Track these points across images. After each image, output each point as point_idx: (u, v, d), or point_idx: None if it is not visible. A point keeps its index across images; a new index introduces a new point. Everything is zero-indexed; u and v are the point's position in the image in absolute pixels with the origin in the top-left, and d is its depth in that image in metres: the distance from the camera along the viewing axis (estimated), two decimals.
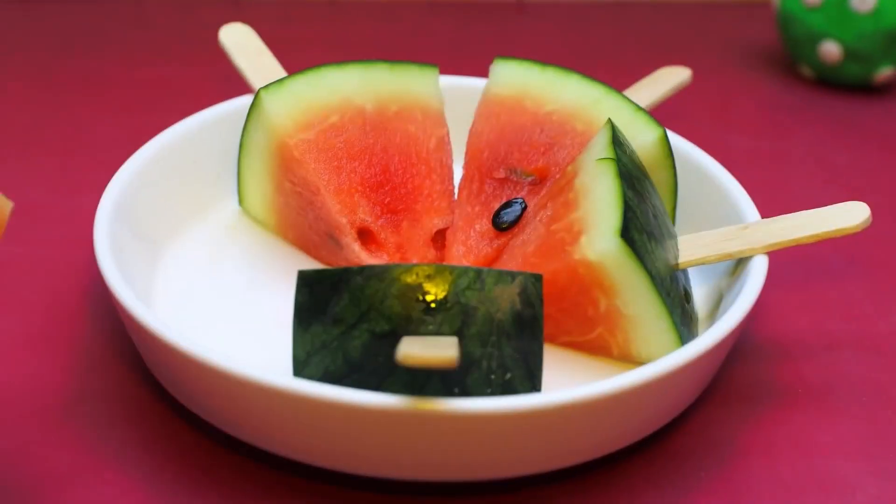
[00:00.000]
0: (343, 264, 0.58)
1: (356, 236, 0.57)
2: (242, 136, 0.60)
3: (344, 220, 0.57)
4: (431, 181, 0.59)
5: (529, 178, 0.59)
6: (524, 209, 0.57)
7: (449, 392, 0.47)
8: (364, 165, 0.58)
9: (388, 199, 0.58)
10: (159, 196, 0.59)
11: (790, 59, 0.85)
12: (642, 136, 0.58)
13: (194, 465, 0.50)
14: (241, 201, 0.62)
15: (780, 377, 0.56)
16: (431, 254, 0.58)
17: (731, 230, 0.56)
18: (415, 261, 0.58)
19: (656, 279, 0.51)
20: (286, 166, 0.58)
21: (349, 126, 0.59)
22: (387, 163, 0.59)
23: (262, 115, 0.58)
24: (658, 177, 0.58)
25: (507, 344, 0.49)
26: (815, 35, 0.78)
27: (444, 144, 0.60)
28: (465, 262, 0.57)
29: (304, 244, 0.60)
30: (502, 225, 0.57)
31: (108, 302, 0.57)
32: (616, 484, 0.50)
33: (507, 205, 0.58)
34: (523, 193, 0.59)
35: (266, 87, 0.58)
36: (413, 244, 0.58)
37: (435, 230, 0.59)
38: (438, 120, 0.61)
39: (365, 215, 0.58)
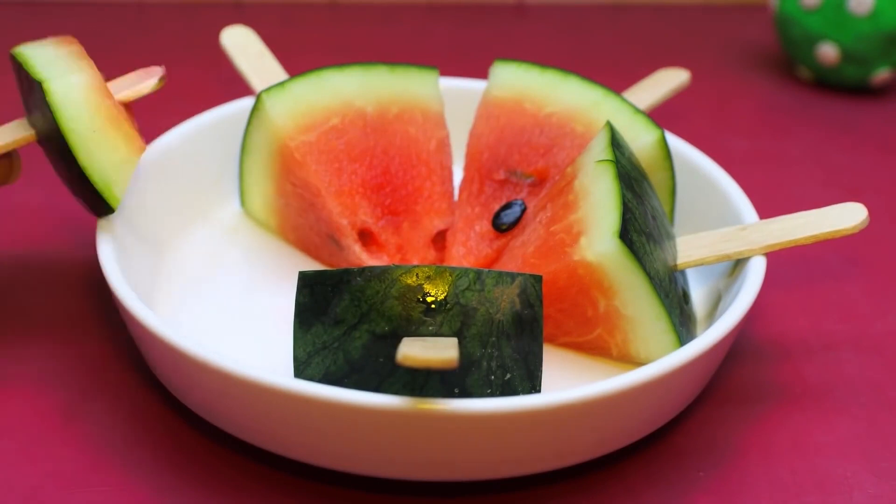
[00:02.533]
0: (344, 265, 0.58)
1: (357, 237, 0.57)
2: (244, 138, 0.60)
3: (345, 222, 0.57)
4: (432, 182, 0.60)
5: (529, 180, 0.59)
6: (524, 210, 0.58)
7: (449, 392, 0.48)
8: (365, 167, 0.59)
9: (388, 200, 0.59)
10: (161, 197, 0.60)
11: (788, 60, 0.85)
12: (641, 138, 0.58)
13: (195, 465, 0.50)
14: (242, 203, 0.62)
15: (778, 377, 0.56)
16: (432, 255, 0.59)
17: (729, 231, 0.56)
18: (415, 262, 0.58)
19: (655, 280, 0.51)
20: (287, 168, 0.59)
21: (350, 128, 0.59)
22: (387, 165, 0.59)
23: (264, 117, 0.58)
24: (657, 178, 0.58)
25: (506, 344, 0.49)
26: (812, 37, 0.79)
27: (444, 146, 0.61)
28: (465, 263, 0.58)
29: (305, 246, 0.61)
30: (502, 226, 0.58)
31: (110, 303, 0.57)
32: (615, 484, 0.50)
33: (507, 206, 0.58)
34: (523, 195, 0.59)
35: (267, 89, 0.58)
36: (413, 245, 0.58)
37: (435, 231, 0.59)
38: (439, 122, 0.61)
39: (365, 217, 0.58)
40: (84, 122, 0.52)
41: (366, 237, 0.58)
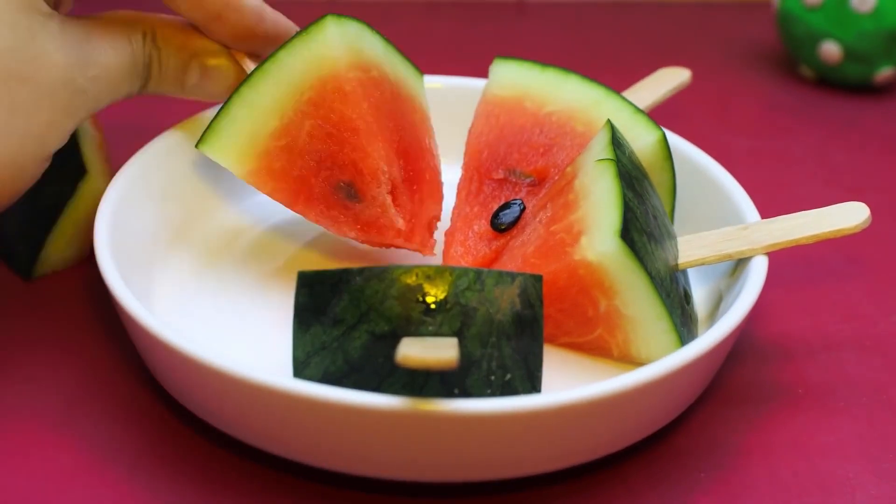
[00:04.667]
0: (341, 220, 0.56)
1: (390, 187, 0.55)
2: (266, 61, 0.56)
3: (384, 167, 0.55)
4: (431, 170, 0.59)
5: (528, 179, 0.59)
6: (522, 210, 0.57)
7: (449, 393, 0.47)
8: (392, 127, 0.57)
9: (409, 167, 0.58)
10: (160, 197, 0.59)
11: (790, 59, 0.85)
12: (642, 139, 0.57)
13: (193, 466, 0.50)
14: (203, 141, 0.56)
15: (780, 378, 0.56)
16: (429, 240, 0.57)
17: (730, 230, 0.55)
18: (417, 240, 0.57)
19: (656, 280, 0.51)
20: (323, 102, 0.56)
21: (384, 85, 0.58)
22: (405, 135, 0.58)
23: (320, 40, 0.56)
24: (657, 178, 0.58)
25: (506, 345, 0.49)
26: (815, 35, 0.78)
27: (434, 149, 0.60)
28: (463, 263, 0.57)
29: (288, 194, 0.56)
30: (500, 226, 0.57)
31: (108, 303, 0.57)
32: (616, 484, 0.50)
33: (506, 206, 0.58)
34: (522, 194, 0.58)
35: (333, 15, 0.56)
36: (419, 221, 0.57)
37: (430, 216, 0.58)
38: (429, 125, 0.61)
39: (396, 172, 0.57)
40: None
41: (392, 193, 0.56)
